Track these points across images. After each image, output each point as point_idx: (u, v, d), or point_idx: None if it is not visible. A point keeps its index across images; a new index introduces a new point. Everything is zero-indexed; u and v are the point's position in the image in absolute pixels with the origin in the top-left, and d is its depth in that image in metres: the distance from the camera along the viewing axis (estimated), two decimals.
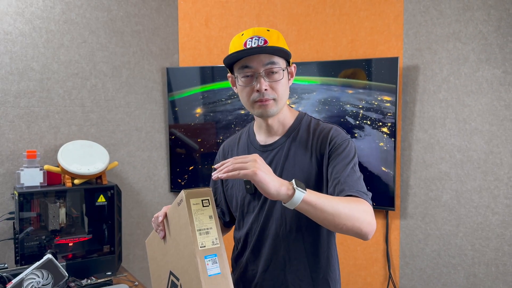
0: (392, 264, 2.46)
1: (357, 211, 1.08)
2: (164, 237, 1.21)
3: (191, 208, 1.07)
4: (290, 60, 1.28)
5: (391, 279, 2.44)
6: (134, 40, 2.64)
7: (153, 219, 1.23)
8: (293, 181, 1.04)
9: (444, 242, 2.31)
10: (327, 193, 1.21)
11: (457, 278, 2.28)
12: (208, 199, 1.09)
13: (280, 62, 1.23)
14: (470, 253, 2.24)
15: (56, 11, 2.36)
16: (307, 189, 1.04)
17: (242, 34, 1.24)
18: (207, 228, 1.06)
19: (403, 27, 2.37)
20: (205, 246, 1.04)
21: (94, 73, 2.49)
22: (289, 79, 1.30)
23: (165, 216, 1.20)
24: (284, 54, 1.22)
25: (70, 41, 2.41)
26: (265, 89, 1.21)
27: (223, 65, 1.31)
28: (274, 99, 1.23)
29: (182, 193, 1.08)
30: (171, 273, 1.18)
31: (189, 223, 1.05)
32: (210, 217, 1.08)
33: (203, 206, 1.09)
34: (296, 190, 1.02)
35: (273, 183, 1.01)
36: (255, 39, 1.21)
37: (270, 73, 1.22)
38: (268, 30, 1.23)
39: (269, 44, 1.20)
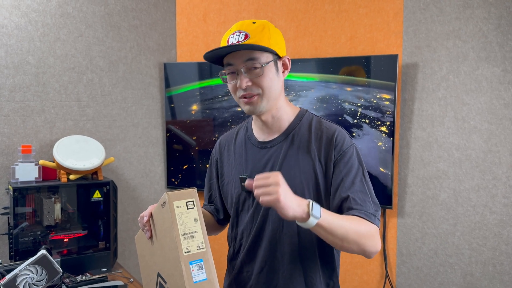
0: (389, 262, 2.45)
1: (364, 236, 1.11)
2: (150, 237, 1.16)
3: (174, 211, 1.01)
4: (281, 50, 1.22)
5: (387, 277, 2.44)
6: (131, 35, 2.61)
7: (139, 218, 1.19)
8: (310, 204, 1.03)
9: (441, 241, 2.30)
10: (328, 196, 1.21)
11: (454, 277, 2.28)
12: (192, 201, 1.04)
13: (262, 57, 1.17)
14: (467, 252, 2.24)
15: (52, 5, 2.33)
16: (322, 211, 1.04)
17: (231, 29, 1.20)
18: (192, 232, 1.02)
19: (402, 25, 2.35)
20: (190, 251, 1.00)
21: (90, 67, 2.47)
22: (283, 72, 1.24)
23: (151, 215, 1.16)
24: (264, 49, 1.16)
25: (66, 35, 2.38)
26: (247, 85, 1.17)
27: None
28: (259, 95, 1.19)
29: (165, 195, 1.03)
30: (159, 274, 1.14)
31: (173, 228, 1.00)
32: (195, 219, 1.03)
33: (188, 209, 1.03)
34: (311, 216, 1.02)
35: (292, 208, 1.01)
36: (237, 35, 1.17)
37: (250, 69, 1.17)
38: (254, 22, 1.18)
39: (250, 38, 1.15)
